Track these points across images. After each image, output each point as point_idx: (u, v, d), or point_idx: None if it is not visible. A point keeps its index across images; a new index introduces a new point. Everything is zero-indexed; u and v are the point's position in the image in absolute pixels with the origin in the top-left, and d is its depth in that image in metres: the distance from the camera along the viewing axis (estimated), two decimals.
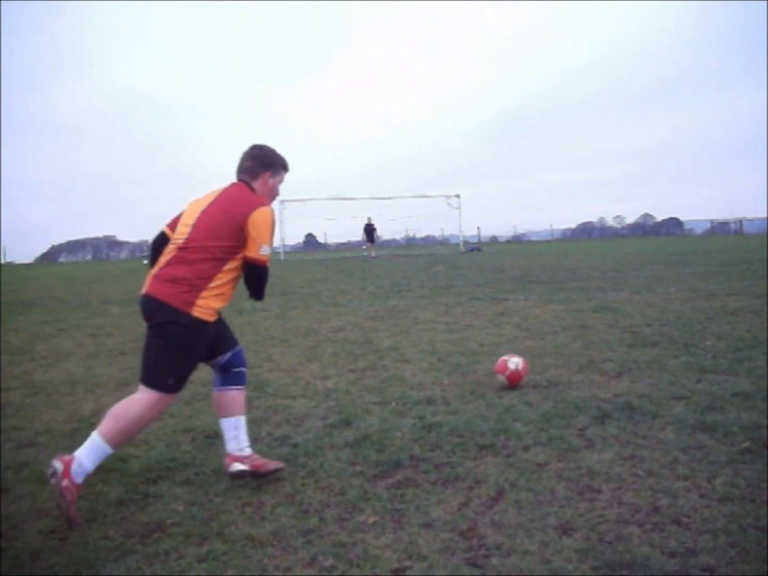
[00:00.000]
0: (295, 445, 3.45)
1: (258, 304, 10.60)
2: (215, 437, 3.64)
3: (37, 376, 5.52)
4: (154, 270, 2.91)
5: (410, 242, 56.82)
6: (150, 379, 2.79)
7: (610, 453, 3.16)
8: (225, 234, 2.84)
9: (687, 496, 2.64)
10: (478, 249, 33.76)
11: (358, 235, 32.80)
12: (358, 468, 3.11)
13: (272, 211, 2.97)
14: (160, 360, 2.80)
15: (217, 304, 2.85)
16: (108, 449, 2.73)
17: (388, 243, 51.60)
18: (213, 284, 2.81)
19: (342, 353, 6.04)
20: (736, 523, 2.40)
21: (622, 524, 2.45)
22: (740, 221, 62.65)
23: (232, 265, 2.86)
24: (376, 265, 22.31)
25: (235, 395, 3.05)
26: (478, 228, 53.27)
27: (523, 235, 74.21)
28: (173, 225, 3.05)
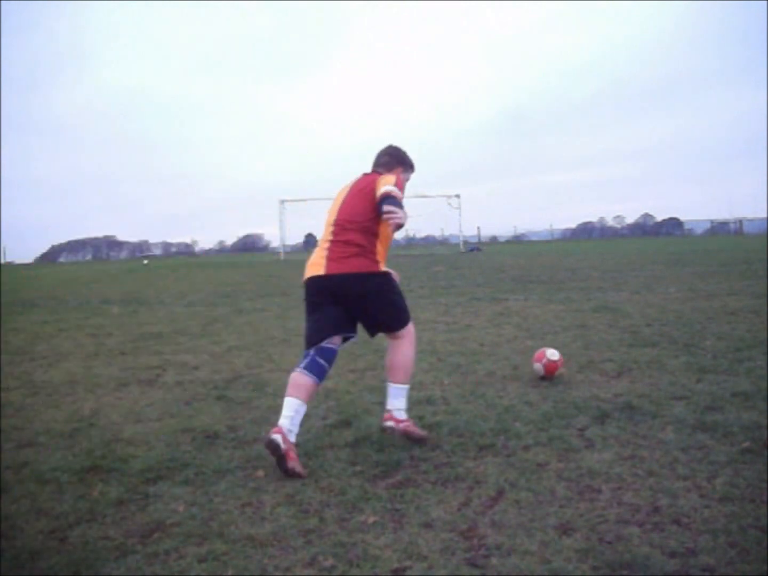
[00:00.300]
0: (295, 445, 3.43)
1: (258, 304, 10.63)
2: (215, 437, 3.64)
3: (37, 376, 5.52)
4: (319, 258, 3.38)
5: (410, 242, 56.78)
6: (401, 321, 3.47)
7: (610, 453, 3.16)
8: (367, 209, 3.34)
9: (687, 496, 2.64)
10: (478, 249, 33.77)
11: None
12: (358, 468, 3.11)
13: (400, 178, 3.43)
14: (395, 306, 3.46)
15: (384, 260, 3.46)
16: (407, 387, 3.48)
17: None
18: (377, 248, 3.38)
19: (342, 353, 6.00)
20: (736, 523, 2.40)
21: (622, 524, 2.44)
22: (740, 221, 62.71)
23: (380, 230, 3.37)
24: None
25: (311, 384, 3.25)
26: (478, 228, 53.35)
27: (523, 235, 74.28)
28: None
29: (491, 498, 2.72)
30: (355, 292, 3.31)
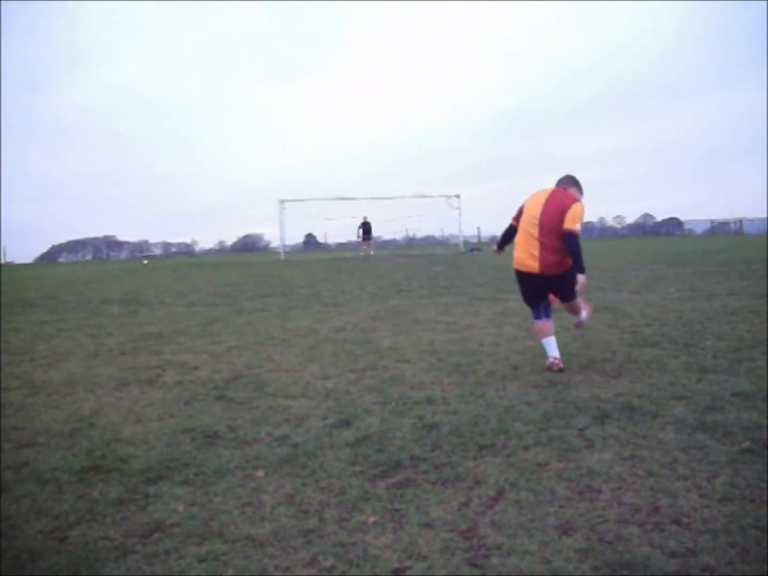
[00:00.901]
0: (295, 445, 3.44)
1: (258, 304, 10.63)
2: (215, 437, 3.64)
3: (37, 376, 5.52)
4: (529, 254, 4.93)
5: (410, 242, 56.79)
6: (572, 295, 5.06)
7: (610, 453, 3.16)
8: (560, 222, 4.81)
9: (687, 496, 2.64)
10: (478, 249, 33.71)
11: (357, 235, 32.96)
12: (358, 468, 3.11)
13: (584, 206, 4.91)
14: (570, 288, 4.96)
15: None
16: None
17: (388, 243, 51.59)
18: (565, 250, 4.88)
19: (342, 353, 6.04)
20: (736, 523, 2.40)
21: (622, 524, 2.45)
22: (740, 221, 62.70)
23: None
24: (376, 265, 22.32)
25: (549, 324, 5.09)
26: (478, 228, 53.07)
27: None
28: (517, 218, 5.17)
29: (491, 498, 2.72)
30: (558, 279, 4.95)
